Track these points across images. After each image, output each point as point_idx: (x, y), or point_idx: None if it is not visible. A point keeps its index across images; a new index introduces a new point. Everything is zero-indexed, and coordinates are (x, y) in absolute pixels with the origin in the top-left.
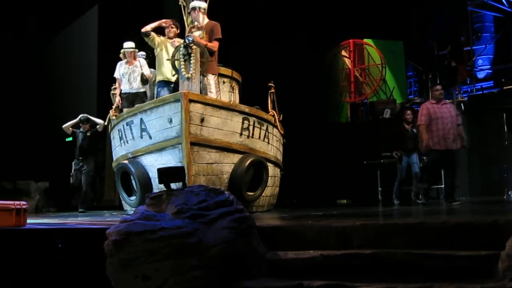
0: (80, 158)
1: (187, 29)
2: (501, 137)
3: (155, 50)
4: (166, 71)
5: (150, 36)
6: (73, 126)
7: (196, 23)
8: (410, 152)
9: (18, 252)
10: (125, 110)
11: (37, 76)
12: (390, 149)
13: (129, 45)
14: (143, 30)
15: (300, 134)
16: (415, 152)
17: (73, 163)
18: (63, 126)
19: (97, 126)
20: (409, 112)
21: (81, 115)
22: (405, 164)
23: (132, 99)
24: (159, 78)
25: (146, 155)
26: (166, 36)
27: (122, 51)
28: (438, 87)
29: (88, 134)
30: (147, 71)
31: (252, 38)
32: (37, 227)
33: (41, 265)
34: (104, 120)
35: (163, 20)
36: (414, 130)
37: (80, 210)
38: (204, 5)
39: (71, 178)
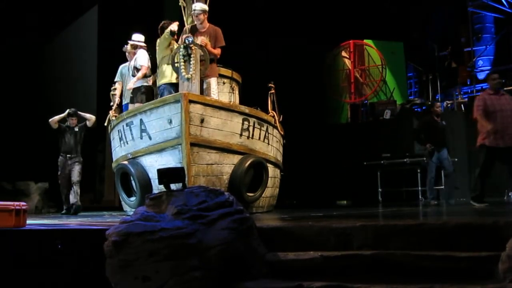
0: (67, 155)
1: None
2: None
3: (157, 52)
4: (171, 74)
5: (174, 36)
6: (61, 120)
7: (198, 25)
8: (440, 147)
9: (18, 253)
10: (129, 106)
11: (36, 76)
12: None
13: (133, 37)
14: (172, 29)
15: (300, 135)
16: (445, 146)
17: (58, 160)
18: (50, 120)
19: (86, 122)
20: (438, 104)
21: (69, 109)
22: (436, 161)
23: (131, 96)
24: (163, 81)
25: (146, 156)
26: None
27: (129, 42)
28: (495, 75)
29: (76, 129)
30: (139, 62)
31: (252, 38)
32: (37, 228)
33: (41, 266)
34: (104, 120)
35: (176, 23)
36: (444, 123)
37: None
38: (205, 7)
39: (59, 178)
